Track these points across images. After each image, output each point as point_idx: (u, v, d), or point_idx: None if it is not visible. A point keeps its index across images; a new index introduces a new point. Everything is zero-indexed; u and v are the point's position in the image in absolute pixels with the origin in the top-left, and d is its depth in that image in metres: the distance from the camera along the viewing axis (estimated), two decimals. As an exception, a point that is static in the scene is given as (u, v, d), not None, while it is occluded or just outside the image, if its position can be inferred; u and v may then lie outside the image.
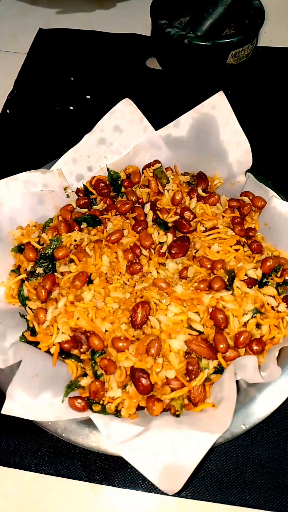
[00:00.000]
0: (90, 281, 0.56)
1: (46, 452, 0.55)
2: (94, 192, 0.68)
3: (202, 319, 0.52)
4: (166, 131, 0.68)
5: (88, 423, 0.49)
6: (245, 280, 0.55)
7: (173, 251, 0.59)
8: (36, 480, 0.54)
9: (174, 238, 0.61)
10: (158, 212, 0.64)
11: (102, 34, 1.07)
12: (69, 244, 0.60)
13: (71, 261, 0.58)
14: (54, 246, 0.60)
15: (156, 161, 0.69)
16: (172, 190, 0.66)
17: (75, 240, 0.60)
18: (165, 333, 0.51)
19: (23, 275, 0.59)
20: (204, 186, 0.66)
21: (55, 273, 0.58)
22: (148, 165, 0.69)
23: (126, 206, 0.64)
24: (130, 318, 0.52)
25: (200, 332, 0.52)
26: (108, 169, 0.68)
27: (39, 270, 0.58)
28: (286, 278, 0.57)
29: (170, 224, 0.63)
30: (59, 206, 0.66)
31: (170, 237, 0.61)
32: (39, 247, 0.61)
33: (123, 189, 0.68)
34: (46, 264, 0.59)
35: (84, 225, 0.63)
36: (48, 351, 0.53)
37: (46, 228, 0.63)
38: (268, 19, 0.91)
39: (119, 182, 0.68)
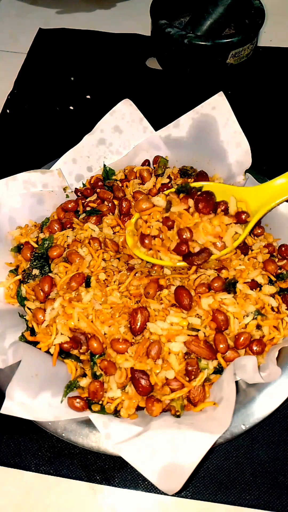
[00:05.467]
0: (87, 283, 0.56)
1: (46, 452, 0.55)
2: (87, 185, 0.68)
3: (204, 321, 0.52)
4: (166, 132, 0.68)
5: (88, 423, 0.49)
6: (247, 283, 0.55)
7: (200, 206, 0.57)
8: (36, 480, 0.54)
9: (198, 193, 0.59)
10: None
11: (102, 34, 1.07)
12: (63, 242, 0.60)
13: (66, 260, 0.58)
14: (47, 246, 0.60)
15: (158, 157, 0.69)
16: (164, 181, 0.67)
17: (68, 236, 0.60)
18: (165, 337, 0.51)
19: (19, 276, 0.59)
20: None
21: (51, 274, 0.57)
22: (147, 161, 0.69)
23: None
24: (129, 324, 0.52)
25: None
26: (104, 165, 0.69)
27: (35, 271, 0.59)
28: None
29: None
30: (58, 205, 0.66)
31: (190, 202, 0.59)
32: (36, 246, 0.61)
33: (115, 185, 0.67)
34: (40, 264, 0.59)
35: (82, 215, 0.63)
36: (47, 351, 0.53)
37: (43, 228, 0.63)
38: (268, 19, 0.91)
39: (113, 179, 0.68)
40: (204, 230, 0.56)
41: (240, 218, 0.59)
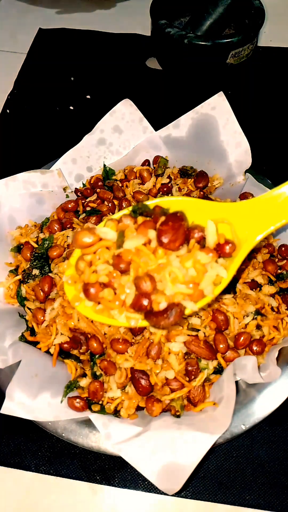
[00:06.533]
0: None
1: (46, 452, 0.55)
2: (87, 185, 0.68)
3: (204, 321, 0.52)
4: (165, 132, 0.68)
5: (88, 423, 0.49)
6: (247, 283, 0.55)
7: (165, 240, 0.40)
8: (36, 480, 0.54)
9: (163, 219, 0.42)
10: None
11: (102, 34, 1.07)
12: (63, 242, 0.60)
13: (66, 260, 0.58)
14: (47, 246, 0.60)
15: (158, 157, 0.69)
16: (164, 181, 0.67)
17: (68, 236, 0.60)
18: (165, 337, 0.51)
19: (19, 276, 0.59)
20: (204, 183, 0.66)
21: (51, 274, 0.57)
22: (147, 161, 0.69)
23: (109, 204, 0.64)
24: None
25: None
26: (104, 165, 0.69)
27: (35, 271, 0.59)
28: None
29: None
30: (58, 205, 0.66)
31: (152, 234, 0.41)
32: (36, 246, 0.61)
33: (115, 185, 0.67)
34: (40, 264, 0.59)
35: (82, 215, 0.63)
36: (47, 351, 0.53)
37: (43, 228, 0.63)
38: (268, 19, 0.91)
39: (113, 179, 0.68)
40: (173, 277, 0.40)
41: (222, 250, 0.42)
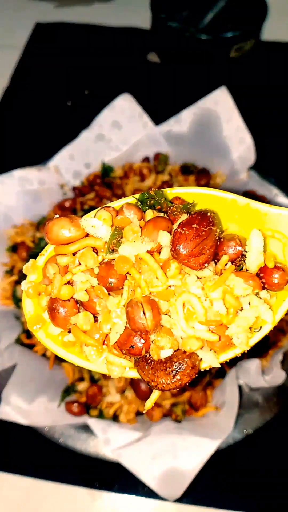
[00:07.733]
0: None
1: (44, 457, 0.54)
2: (85, 182, 0.67)
3: None
4: (166, 127, 0.67)
5: (86, 428, 0.48)
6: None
7: (184, 251, 0.27)
8: (34, 485, 0.53)
9: (184, 218, 0.28)
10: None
11: (101, 28, 1.05)
12: None
13: None
14: (44, 245, 0.58)
15: (158, 154, 0.68)
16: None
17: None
18: None
19: (15, 277, 0.58)
20: (206, 180, 0.65)
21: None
22: (147, 158, 0.68)
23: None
24: None
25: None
26: (103, 162, 0.67)
27: None
28: None
29: None
30: (55, 203, 0.65)
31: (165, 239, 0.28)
32: (32, 245, 0.59)
33: (114, 182, 0.66)
34: None
35: (80, 213, 0.62)
36: (44, 354, 0.52)
37: (40, 226, 0.62)
38: (271, 13, 0.90)
39: (112, 176, 0.67)
40: (188, 310, 0.27)
41: (269, 279, 0.28)
